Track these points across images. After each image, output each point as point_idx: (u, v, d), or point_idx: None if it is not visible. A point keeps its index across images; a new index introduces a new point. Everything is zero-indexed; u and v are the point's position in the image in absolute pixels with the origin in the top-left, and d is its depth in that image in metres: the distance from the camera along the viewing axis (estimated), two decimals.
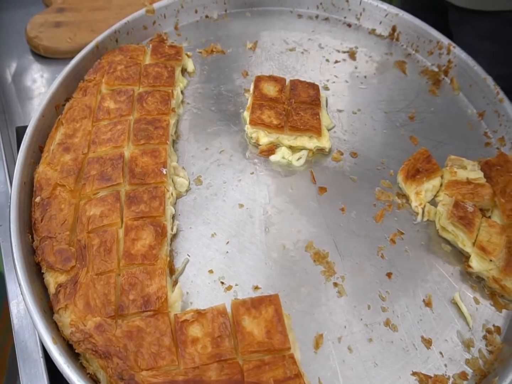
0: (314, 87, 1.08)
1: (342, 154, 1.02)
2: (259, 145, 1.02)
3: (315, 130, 1.01)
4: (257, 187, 0.97)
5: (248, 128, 1.03)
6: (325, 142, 1.02)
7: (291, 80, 1.09)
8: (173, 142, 1.03)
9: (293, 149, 1.02)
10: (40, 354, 0.80)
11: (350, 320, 0.81)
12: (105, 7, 1.43)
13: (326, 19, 1.31)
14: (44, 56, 1.37)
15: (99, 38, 1.14)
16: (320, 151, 1.03)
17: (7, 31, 1.44)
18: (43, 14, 1.42)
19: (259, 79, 1.09)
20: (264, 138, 1.02)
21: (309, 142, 1.02)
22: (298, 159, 1.01)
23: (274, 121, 1.02)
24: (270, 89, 1.07)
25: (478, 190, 0.91)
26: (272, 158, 1.02)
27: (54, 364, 0.71)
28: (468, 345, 0.79)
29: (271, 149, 1.02)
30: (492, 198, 0.91)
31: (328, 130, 1.06)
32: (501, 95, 1.07)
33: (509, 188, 0.90)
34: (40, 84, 1.32)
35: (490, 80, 1.09)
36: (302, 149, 1.02)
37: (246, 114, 1.06)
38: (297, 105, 1.04)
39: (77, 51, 1.13)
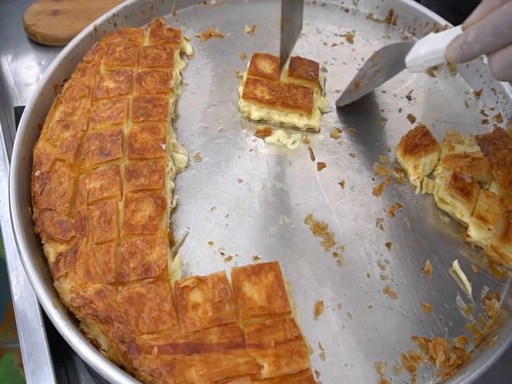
0: (314, 64, 1.09)
1: (340, 131, 1.03)
2: (251, 119, 1.03)
3: (306, 108, 1.01)
4: (256, 163, 0.97)
5: (241, 102, 1.04)
6: (315, 121, 1.02)
7: (291, 57, 1.09)
8: (172, 121, 1.03)
9: (285, 127, 1.03)
10: (40, 323, 0.79)
11: (350, 287, 0.81)
12: None
13: (324, 4, 1.31)
14: (42, 44, 1.37)
15: (98, 21, 1.14)
16: (310, 130, 1.03)
17: (5, 20, 1.45)
18: (40, 3, 1.42)
19: (256, 56, 1.09)
20: (256, 112, 1.02)
21: (299, 119, 1.02)
22: (293, 143, 1.01)
23: (266, 96, 1.02)
24: (265, 66, 1.07)
25: (475, 163, 0.91)
26: (267, 139, 1.01)
27: (54, 334, 0.71)
28: (467, 311, 0.80)
29: (268, 130, 1.02)
30: (489, 171, 0.91)
31: (325, 112, 1.07)
32: None
33: (506, 161, 0.91)
34: (38, 71, 1.33)
35: (486, 59, 1.09)
36: (295, 132, 1.02)
37: (241, 89, 1.07)
38: (291, 82, 1.05)
39: None
